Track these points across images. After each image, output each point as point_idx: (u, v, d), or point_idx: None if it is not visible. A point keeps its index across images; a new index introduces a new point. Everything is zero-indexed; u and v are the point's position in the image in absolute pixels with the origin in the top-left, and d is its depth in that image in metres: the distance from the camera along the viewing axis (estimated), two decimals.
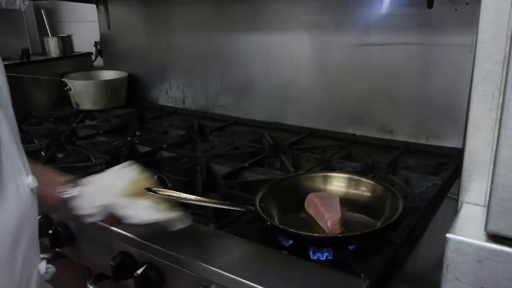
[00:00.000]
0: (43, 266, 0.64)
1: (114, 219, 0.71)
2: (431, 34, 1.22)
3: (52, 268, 0.70)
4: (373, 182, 0.94)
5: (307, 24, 1.42)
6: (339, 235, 0.80)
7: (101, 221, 0.73)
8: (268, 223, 0.79)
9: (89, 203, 0.71)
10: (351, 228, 0.84)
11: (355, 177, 0.97)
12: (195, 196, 0.78)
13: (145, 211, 0.70)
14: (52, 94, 1.83)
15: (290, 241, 0.81)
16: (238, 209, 0.85)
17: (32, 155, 1.27)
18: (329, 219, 0.81)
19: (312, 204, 0.88)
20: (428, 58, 1.24)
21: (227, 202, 0.85)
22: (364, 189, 0.94)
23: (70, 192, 0.72)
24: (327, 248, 0.78)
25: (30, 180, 0.59)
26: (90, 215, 0.72)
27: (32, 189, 0.59)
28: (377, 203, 0.90)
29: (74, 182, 0.73)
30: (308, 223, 0.87)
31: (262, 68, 1.56)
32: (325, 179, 0.98)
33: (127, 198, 0.71)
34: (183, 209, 0.74)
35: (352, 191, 0.95)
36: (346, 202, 0.91)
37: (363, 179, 0.96)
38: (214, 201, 0.81)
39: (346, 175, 0.98)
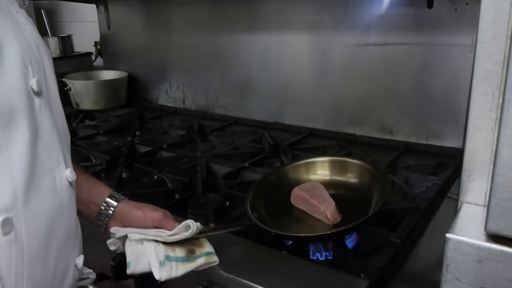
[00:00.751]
0: (80, 260, 0.64)
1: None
2: (431, 34, 1.22)
3: (93, 274, 0.71)
4: (357, 162, 0.94)
5: (307, 24, 1.42)
6: (343, 228, 0.79)
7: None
8: (273, 232, 0.78)
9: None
10: (347, 211, 0.83)
11: (339, 158, 0.96)
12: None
13: (156, 263, 0.66)
14: None
15: (290, 241, 0.81)
16: (238, 228, 0.81)
17: None
18: (327, 211, 0.80)
19: (300, 199, 0.87)
20: (428, 58, 1.24)
21: (222, 226, 0.82)
22: (349, 170, 0.94)
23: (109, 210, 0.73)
24: (329, 243, 0.78)
25: (68, 174, 0.58)
26: (113, 242, 0.72)
27: (70, 183, 0.59)
28: (363, 181, 0.90)
29: (113, 199, 0.74)
30: (304, 219, 0.85)
31: (262, 68, 1.56)
32: (307, 167, 0.97)
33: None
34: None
35: (337, 173, 0.95)
36: (332, 185, 0.91)
37: (348, 160, 0.96)
38: (209, 229, 0.77)
39: (329, 158, 0.97)
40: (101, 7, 1.93)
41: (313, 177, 0.96)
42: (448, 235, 0.46)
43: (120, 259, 0.83)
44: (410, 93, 1.29)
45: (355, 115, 1.40)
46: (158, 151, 1.31)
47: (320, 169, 0.97)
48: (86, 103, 1.79)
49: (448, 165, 1.13)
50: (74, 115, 1.73)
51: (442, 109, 1.25)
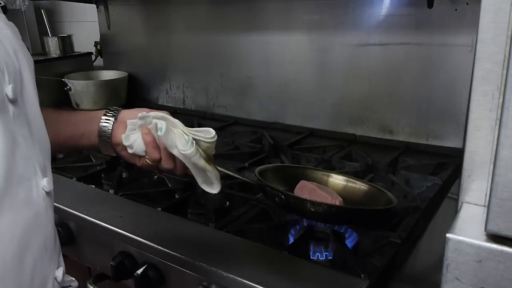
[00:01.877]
0: (60, 273, 0.61)
1: (149, 137, 0.68)
2: (431, 34, 1.22)
3: (75, 282, 0.69)
4: (368, 186, 0.93)
5: (307, 24, 1.42)
6: (358, 208, 0.78)
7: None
8: (282, 196, 0.76)
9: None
10: None
11: (352, 179, 0.96)
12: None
13: (183, 140, 0.65)
14: (52, 94, 1.83)
15: (291, 240, 0.81)
16: (248, 180, 0.81)
17: None
18: (335, 200, 0.79)
19: (307, 189, 0.85)
20: (428, 58, 1.24)
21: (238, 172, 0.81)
22: (359, 191, 0.93)
23: (109, 120, 0.72)
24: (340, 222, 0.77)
25: (45, 183, 0.56)
26: (128, 138, 0.70)
27: (47, 193, 0.57)
28: (370, 202, 0.89)
29: (113, 111, 0.74)
30: None
31: (262, 68, 1.56)
32: (323, 176, 0.97)
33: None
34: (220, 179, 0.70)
35: (347, 191, 0.94)
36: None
37: (359, 182, 0.95)
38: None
39: (344, 177, 0.97)
40: (101, 7, 1.93)
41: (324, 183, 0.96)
42: (448, 235, 0.46)
43: (120, 259, 0.84)
44: (410, 93, 1.29)
45: (355, 115, 1.40)
46: None
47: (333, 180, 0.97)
48: (86, 103, 1.79)
49: (448, 165, 1.13)
50: None
51: (442, 109, 1.25)
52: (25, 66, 0.57)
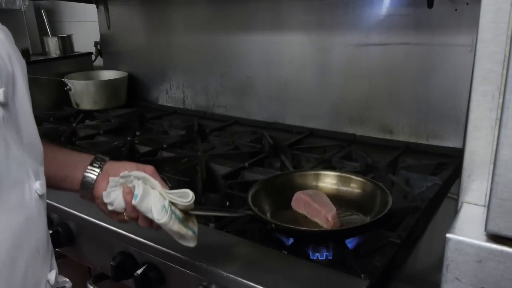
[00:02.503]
0: (52, 276, 0.62)
1: (130, 197, 0.67)
2: (431, 34, 1.22)
3: (69, 283, 0.69)
4: (363, 180, 0.94)
5: (307, 24, 1.42)
6: (344, 228, 0.80)
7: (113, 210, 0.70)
8: (273, 225, 0.79)
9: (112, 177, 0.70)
10: (345, 225, 0.84)
11: (345, 175, 0.97)
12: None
13: (158, 206, 0.66)
14: (52, 94, 1.83)
15: (291, 240, 0.81)
16: (236, 215, 0.83)
17: None
18: (328, 214, 0.81)
19: (302, 202, 0.87)
20: (428, 58, 1.24)
21: (224, 208, 0.83)
22: (354, 186, 0.95)
23: (94, 171, 0.71)
24: (328, 244, 0.78)
25: (38, 186, 0.57)
26: (109, 195, 0.69)
27: (40, 196, 0.57)
28: (367, 200, 0.90)
29: (100, 162, 0.73)
30: (303, 221, 0.86)
31: (262, 68, 1.56)
32: (316, 177, 0.98)
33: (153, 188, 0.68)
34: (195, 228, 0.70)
35: (342, 188, 0.96)
36: (336, 199, 0.91)
37: (353, 177, 0.96)
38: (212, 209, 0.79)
39: (336, 173, 0.98)
40: (101, 7, 1.93)
41: (320, 184, 0.97)
42: (448, 235, 0.46)
43: (120, 259, 0.84)
44: (410, 93, 1.29)
45: (355, 115, 1.40)
46: (158, 151, 1.31)
47: (326, 180, 0.98)
48: (86, 103, 1.79)
49: (448, 165, 1.13)
50: (74, 115, 1.72)
51: (442, 109, 1.25)
52: (19, 70, 0.57)
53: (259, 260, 0.74)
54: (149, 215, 0.66)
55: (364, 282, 0.67)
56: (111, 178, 0.70)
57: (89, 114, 1.75)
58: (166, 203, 0.66)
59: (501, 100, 0.46)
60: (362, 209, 0.89)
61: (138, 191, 0.66)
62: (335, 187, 0.96)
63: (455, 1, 1.16)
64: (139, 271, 0.80)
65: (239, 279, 0.69)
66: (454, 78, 1.21)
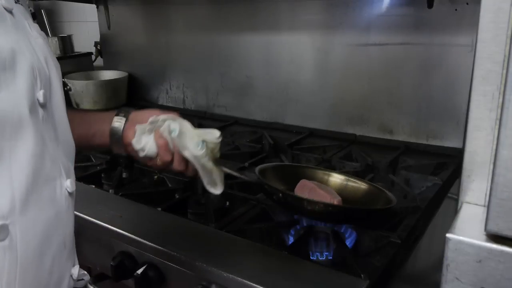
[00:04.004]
0: (75, 271, 0.64)
1: (162, 140, 0.70)
2: (431, 34, 1.22)
3: (87, 276, 0.71)
4: (367, 185, 0.94)
5: (307, 24, 1.42)
6: (356, 207, 0.79)
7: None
8: (280, 194, 0.78)
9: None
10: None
11: (352, 179, 0.96)
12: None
13: (194, 141, 0.68)
14: None
15: (291, 240, 0.81)
16: (248, 179, 0.83)
17: None
18: (334, 199, 0.80)
19: (307, 188, 0.86)
20: (428, 58, 1.24)
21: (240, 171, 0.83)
22: (358, 190, 0.94)
23: (120, 121, 0.75)
24: (335, 221, 0.79)
25: (68, 184, 0.59)
26: (139, 141, 0.71)
27: (70, 193, 0.60)
28: (370, 202, 0.89)
29: (125, 112, 0.76)
30: None
31: (262, 68, 1.56)
32: (324, 175, 0.98)
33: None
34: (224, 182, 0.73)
35: (347, 190, 0.94)
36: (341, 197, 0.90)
37: (358, 181, 0.95)
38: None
39: (344, 176, 0.97)
40: (101, 7, 1.93)
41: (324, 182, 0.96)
42: (448, 235, 0.46)
43: (120, 259, 0.84)
44: (410, 93, 1.29)
45: (355, 115, 1.40)
46: None
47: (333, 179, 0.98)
48: (86, 103, 1.79)
49: (448, 165, 1.13)
50: None
51: (442, 109, 1.25)
52: (54, 73, 0.61)
53: (259, 260, 0.74)
54: (185, 153, 0.68)
55: (364, 282, 0.67)
56: (137, 126, 0.73)
57: None
58: (201, 139, 0.69)
59: (501, 100, 0.46)
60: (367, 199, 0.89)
61: (175, 126, 0.69)
62: (341, 188, 0.95)
63: (455, 1, 1.16)
64: (139, 271, 0.80)
65: (239, 279, 0.69)
66: (454, 78, 1.21)
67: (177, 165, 0.72)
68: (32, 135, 0.52)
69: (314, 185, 0.84)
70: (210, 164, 0.70)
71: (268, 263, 0.73)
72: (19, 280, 0.52)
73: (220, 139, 0.71)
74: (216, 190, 0.72)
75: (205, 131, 0.71)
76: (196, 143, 0.68)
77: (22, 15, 0.57)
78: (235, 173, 0.79)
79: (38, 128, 0.54)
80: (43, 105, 0.55)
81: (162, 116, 0.72)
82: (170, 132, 0.69)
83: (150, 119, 0.72)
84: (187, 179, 1.07)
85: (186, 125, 0.71)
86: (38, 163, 0.53)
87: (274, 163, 0.96)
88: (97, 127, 0.77)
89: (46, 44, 0.60)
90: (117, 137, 0.75)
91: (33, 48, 0.55)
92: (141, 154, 0.72)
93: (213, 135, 0.70)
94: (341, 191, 0.92)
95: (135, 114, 0.77)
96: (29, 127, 0.52)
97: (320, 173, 0.98)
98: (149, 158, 0.73)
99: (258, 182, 0.82)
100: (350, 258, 0.75)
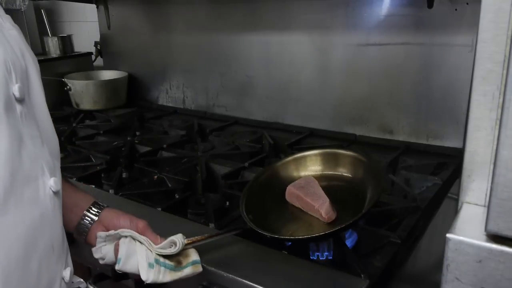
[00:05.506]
0: (67, 273, 0.62)
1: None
2: (431, 34, 1.22)
3: (83, 284, 0.70)
4: (350, 153, 0.91)
5: (307, 24, 1.42)
6: (337, 228, 0.78)
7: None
8: (268, 236, 0.76)
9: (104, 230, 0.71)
10: (342, 206, 0.82)
11: (330, 150, 0.93)
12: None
13: (145, 265, 0.66)
14: (52, 94, 1.82)
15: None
16: (233, 233, 0.80)
17: None
18: (321, 209, 0.79)
19: (294, 197, 0.85)
20: (428, 58, 1.24)
21: (210, 234, 0.77)
22: (341, 163, 0.91)
23: (90, 219, 0.72)
24: (329, 242, 0.77)
25: (51, 183, 0.56)
26: (99, 250, 0.70)
27: (54, 192, 0.57)
28: (357, 174, 0.87)
29: (97, 209, 0.73)
30: (300, 216, 0.84)
31: (262, 68, 1.56)
32: (297, 162, 0.94)
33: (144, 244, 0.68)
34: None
35: (329, 167, 0.92)
36: (325, 178, 0.89)
37: (340, 151, 0.92)
38: (197, 239, 0.74)
39: (319, 151, 0.94)
40: (101, 7, 1.93)
41: (304, 173, 0.93)
42: (448, 235, 0.46)
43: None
44: (410, 93, 1.29)
45: (355, 115, 1.40)
46: (158, 151, 1.31)
47: (311, 164, 0.94)
48: (86, 103, 1.79)
49: (448, 165, 1.13)
50: (74, 115, 1.72)
51: (442, 109, 1.25)
52: (32, 66, 0.58)
53: (259, 260, 0.74)
54: (137, 275, 0.66)
55: (364, 282, 0.67)
56: (98, 234, 0.70)
57: (89, 114, 1.75)
58: (153, 259, 0.66)
59: (501, 100, 0.46)
60: (354, 189, 0.86)
61: (122, 253, 0.67)
62: (320, 167, 0.93)
63: (455, 1, 1.16)
64: None
65: (239, 279, 0.69)
66: (454, 78, 1.21)
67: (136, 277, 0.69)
68: (6, 133, 0.49)
69: (300, 194, 0.84)
70: (168, 277, 0.66)
71: (268, 263, 0.73)
72: (3, 285, 0.49)
73: (179, 249, 0.67)
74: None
75: (164, 245, 0.67)
76: (146, 266, 0.65)
77: None
78: (211, 239, 0.75)
79: (15, 125, 0.51)
80: (20, 100, 0.52)
81: (120, 231, 0.68)
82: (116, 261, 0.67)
83: (107, 233, 0.69)
84: (187, 179, 1.07)
85: (142, 239, 0.67)
86: (15, 162, 0.50)
87: (248, 186, 0.90)
88: (64, 212, 0.67)
89: (21, 37, 0.57)
90: (82, 234, 0.72)
91: (6, 40, 0.52)
92: (101, 262, 0.71)
93: (173, 247, 0.67)
94: (324, 171, 0.91)
95: (106, 215, 0.72)
96: (3, 124, 0.49)
97: (292, 166, 0.94)
98: (109, 265, 0.71)
99: (244, 229, 0.80)
100: (350, 258, 0.75)
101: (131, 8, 1.87)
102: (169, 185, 1.09)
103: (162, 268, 0.66)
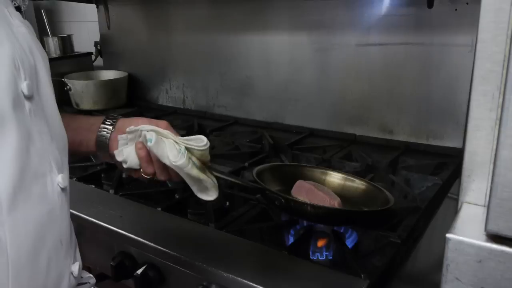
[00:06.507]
0: (76, 268, 0.62)
1: (143, 152, 0.66)
2: (431, 34, 1.22)
3: (93, 279, 0.69)
4: (366, 184, 0.93)
5: (307, 24, 1.42)
6: (357, 210, 0.78)
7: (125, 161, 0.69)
8: (282, 199, 0.76)
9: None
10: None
11: (350, 177, 0.96)
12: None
13: (174, 151, 0.64)
14: None
15: (291, 240, 0.81)
16: (246, 185, 0.81)
17: None
18: (334, 201, 0.79)
19: (304, 189, 0.85)
20: (428, 58, 1.24)
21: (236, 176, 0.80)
22: (357, 187, 0.94)
23: (107, 129, 0.71)
24: (335, 223, 0.78)
25: (59, 179, 0.56)
26: (121, 153, 0.69)
27: (62, 189, 0.57)
28: (368, 201, 0.89)
29: (112, 119, 0.72)
30: None
31: (262, 68, 1.56)
32: (321, 174, 0.97)
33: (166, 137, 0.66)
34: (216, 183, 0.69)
35: (345, 189, 0.94)
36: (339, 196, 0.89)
37: (357, 180, 0.95)
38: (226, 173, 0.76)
39: (342, 175, 0.97)
40: (101, 7, 1.93)
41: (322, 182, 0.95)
42: (448, 235, 0.46)
43: (120, 259, 0.84)
44: (410, 93, 1.29)
45: (355, 115, 1.40)
46: None
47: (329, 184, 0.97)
48: (86, 103, 1.79)
49: (448, 165, 1.13)
50: None
51: (442, 109, 1.25)
52: (41, 63, 0.58)
53: (259, 260, 0.74)
54: (166, 161, 0.64)
55: (364, 282, 0.67)
56: (119, 136, 0.70)
57: (89, 114, 1.75)
58: (182, 148, 0.65)
59: (501, 100, 0.46)
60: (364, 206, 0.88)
61: (151, 135, 0.65)
62: (339, 187, 0.95)
63: (455, 1, 1.16)
64: (139, 271, 0.80)
65: (239, 279, 0.69)
66: (454, 78, 1.21)
67: (159, 175, 0.69)
68: (15, 131, 0.49)
69: (311, 186, 0.84)
70: (195, 172, 0.65)
71: (268, 263, 0.73)
72: (12, 281, 0.50)
73: (206, 146, 0.66)
74: (209, 196, 0.68)
75: (189, 139, 0.66)
76: (176, 151, 0.64)
77: (1, 3, 0.54)
78: (231, 178, 0.77)
79: (24, 122, 0.51)
80: (29, 97, 0.52)
81: (141, 126, 0.68)
82: (147, 141, 0.65)
83: (128, 129, 0.68)
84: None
85: (166, 134, 0.66)
86: (24, 159, 0.51)
87: (271, 164, 0.95)
88: (84, 134, 0.72)
89: (31, 33, 0.57)
90: (103, 147, 0.72)
91: (15, 37, 0.52)
92: (124, 165, 0.69)
93: (199, 141, 0.66)
94: (338, 190, 0.92)
95: (123, 122, 0.73)
96: (12, 122, 0.49)
97: (318, 173, 0.97)
98: (133, 170, 0.70)
99: (256, 187, 0.81)
100: (350, 258, 0.75)
101: (131, 8, 1.87)
102: (169, 185, 1.09)
103: (190, 161, 0.65)
